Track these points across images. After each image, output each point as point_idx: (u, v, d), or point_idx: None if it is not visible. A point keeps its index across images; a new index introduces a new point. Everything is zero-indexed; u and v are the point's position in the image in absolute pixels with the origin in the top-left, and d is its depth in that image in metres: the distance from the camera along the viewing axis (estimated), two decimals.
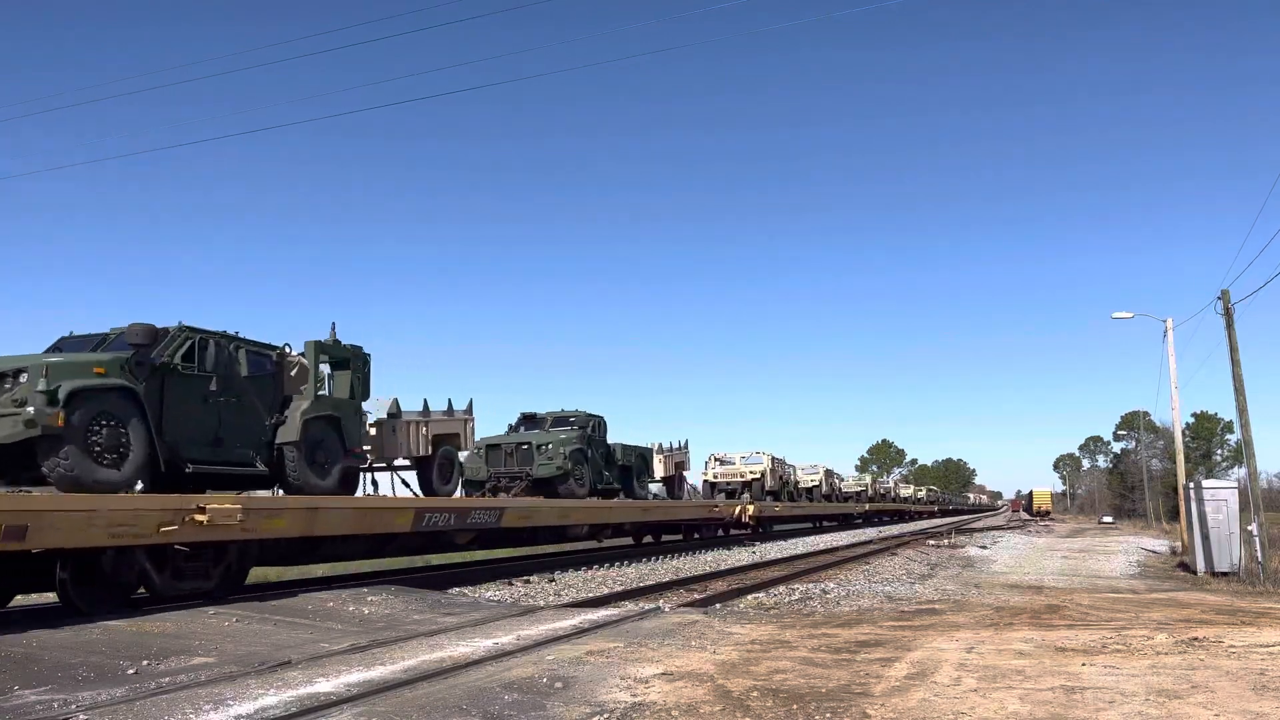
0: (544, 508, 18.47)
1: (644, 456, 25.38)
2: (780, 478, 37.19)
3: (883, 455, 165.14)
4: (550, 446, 19.91)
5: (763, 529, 33.42)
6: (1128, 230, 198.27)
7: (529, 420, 21.70)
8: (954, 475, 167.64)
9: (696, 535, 28.05)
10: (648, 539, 26.05)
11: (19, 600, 11.03)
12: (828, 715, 5.55)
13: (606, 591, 14.41)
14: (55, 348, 10.87)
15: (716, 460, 35.93)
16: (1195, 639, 8.58)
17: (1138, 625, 9.93)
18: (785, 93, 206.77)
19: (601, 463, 22.00)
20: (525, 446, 19.88)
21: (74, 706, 5.68)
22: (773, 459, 36.05)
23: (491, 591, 14.19)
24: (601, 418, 22.12)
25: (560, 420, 21.39)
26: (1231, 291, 21.05)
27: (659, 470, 27.40)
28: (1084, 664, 7.26)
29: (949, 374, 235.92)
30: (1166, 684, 6.44)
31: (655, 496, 27.62)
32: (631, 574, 17.59)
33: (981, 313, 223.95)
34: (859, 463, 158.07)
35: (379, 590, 11.76)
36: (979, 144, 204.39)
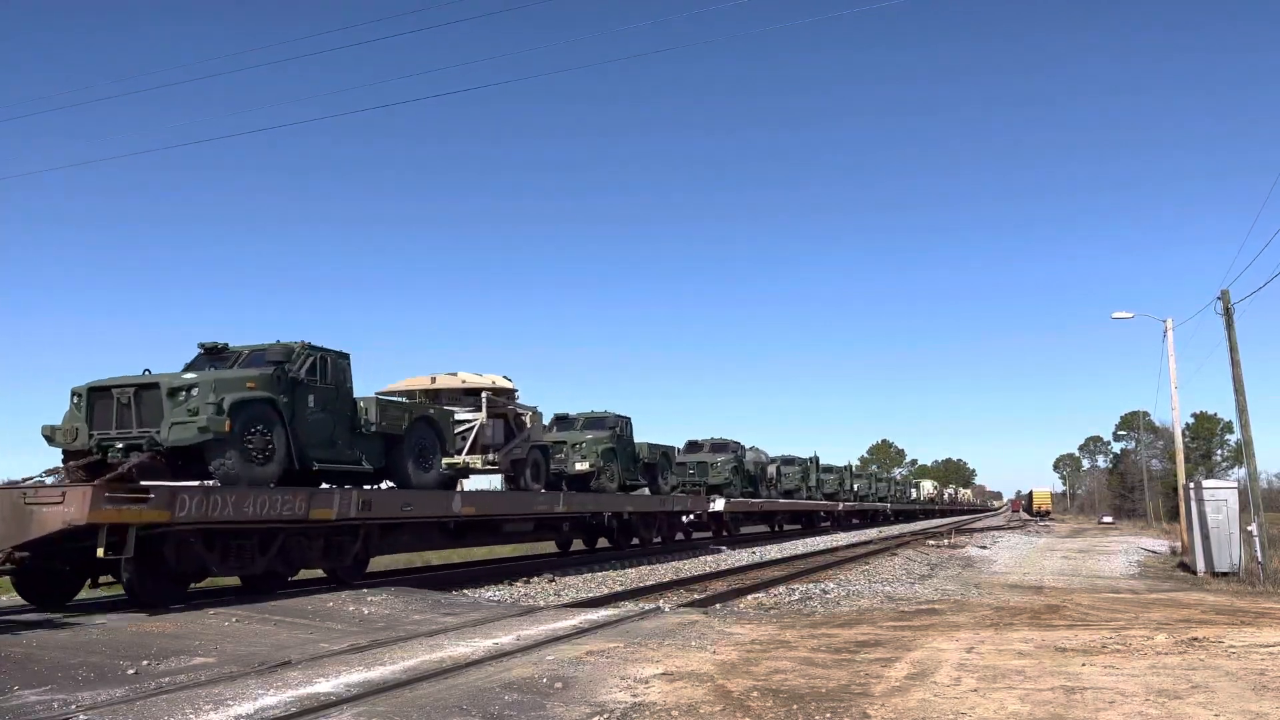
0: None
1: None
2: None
3: (883, 455, 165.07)
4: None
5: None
6: (1128, 230, 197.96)
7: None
8: (954, 475, 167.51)
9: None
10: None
11: (10, 599, 11.01)
12: (828, 715, 5.55)
13: (606, 591, 14.41)
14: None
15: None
16: (1195, 639, 8.59)
17: (1138, 625, 9.93)
18: (786, 94, 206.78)
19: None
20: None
21: (74, 706, 5.68)
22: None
23: (491, 592, 14.20)
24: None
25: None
26: (1231, 291, 20.99)
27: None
28: (1084, 664, 7.26)
29: (949, 374, 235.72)
30: (1166, 684, 6.44)
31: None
32: (632, 574, 17.59)
33: (982, 313, 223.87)
34: (859, 462, 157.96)
35: (379, 590, 11.77)
36: (979, 144, 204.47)
